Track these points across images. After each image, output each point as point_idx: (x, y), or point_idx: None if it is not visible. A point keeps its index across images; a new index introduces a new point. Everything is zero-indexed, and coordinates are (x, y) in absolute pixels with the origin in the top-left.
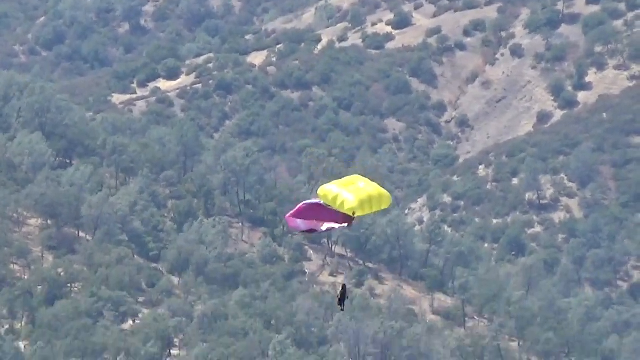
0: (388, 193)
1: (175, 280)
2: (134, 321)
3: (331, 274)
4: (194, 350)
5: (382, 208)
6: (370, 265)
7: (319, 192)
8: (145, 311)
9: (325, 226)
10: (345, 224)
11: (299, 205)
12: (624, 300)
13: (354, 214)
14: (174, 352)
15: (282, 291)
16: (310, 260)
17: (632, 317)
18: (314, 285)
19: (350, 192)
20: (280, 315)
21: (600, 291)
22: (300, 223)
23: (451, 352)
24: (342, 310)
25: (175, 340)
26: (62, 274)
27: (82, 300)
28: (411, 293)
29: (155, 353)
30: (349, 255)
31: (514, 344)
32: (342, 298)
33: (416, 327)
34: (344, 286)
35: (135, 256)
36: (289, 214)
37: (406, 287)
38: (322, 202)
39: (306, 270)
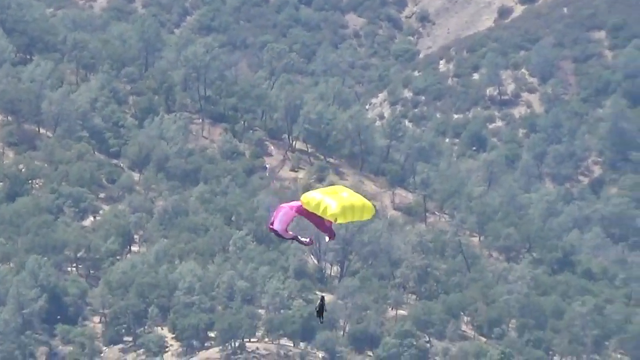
0: (371, 204)
1: (136, 176)
2: (94, 217)
3: (292, 169)
4: (154, 246)
5: (364, 219)
6: (331, 160)
7: (302, 198)
8: (106, 207)
9: (305, 238)
10: (326, 234)
11: (278, 212)
12: (584, 195)
13: (335, 220)
14: (134, 248)
15: (242, 187)
16: (271, 155)
17: (593, 212)
18: (275, 181)
19: (333, 199)
20: (241, 211)
21: (561, 186)
22: (283, 232)
23: (412, 248)
24: (322, 322)
25: (136, 236)
26: (22, 170)
27: (42, 196)
28: (372, 188)
29: (115, 249)
30: (310, 150)
31: (475, 239)
32: (321, 310)
33: (377, 222)
34: (322, 298)
35: (96, 152)
36: (271, 224)
37: (367, 182)
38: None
39: (267, 166)
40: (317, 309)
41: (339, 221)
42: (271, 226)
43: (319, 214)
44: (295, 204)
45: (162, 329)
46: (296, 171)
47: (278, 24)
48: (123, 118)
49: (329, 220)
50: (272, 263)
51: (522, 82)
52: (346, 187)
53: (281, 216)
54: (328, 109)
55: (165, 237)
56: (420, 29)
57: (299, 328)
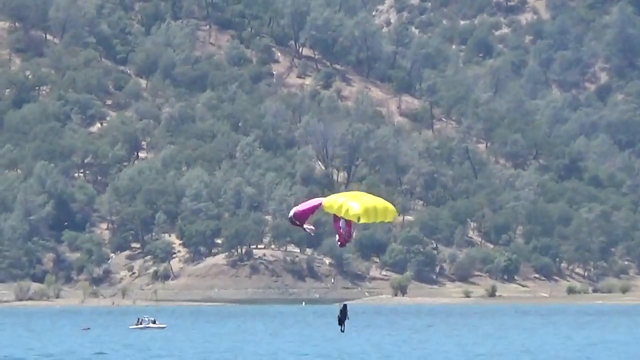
0: (393, 207)
1: (143, 82)
2: (101, 124)
3: (299, 76)
4: (161, 153)
5: (387, 220)
6: (338, 66)
7: (324, 202)
8: (113, 114)
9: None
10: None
11: (306, 207)
12: (591, 102)
13: (358, 220)
14: (142, 154)
15: (249, 93)
16: (278, 62)
17: (600, 119)
18: (282, 87)
19: (355, 201)
20: (248, 117)
21: (568, 93)
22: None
23: (419, 154)
24: (343, 331)
25: (143, 142)
26: (29, 76)
27: (49, 103)
28: (378, 95)
29: (122, 155)
30: (317, 56)
31: (482, 146)
32: (343, 317)
33: (383, 128)
34: (344, 306)
35: (103, 59)
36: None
37: (373, 88)
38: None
39: (274, 72)
40: (340, 317)
41: (361, 221)
42: (294, 216)
43: (341, 215)
44: (316, 202)
45: (169, 235)
46: (303, 78)
47: None
48: (130, 25)
49: (347, 225)
50: (279, 169)
51: None
52: (351, 95)
53: (306, 206)
54: (335, 15)
55: (172, 143)
56: None
57: (306, 234)
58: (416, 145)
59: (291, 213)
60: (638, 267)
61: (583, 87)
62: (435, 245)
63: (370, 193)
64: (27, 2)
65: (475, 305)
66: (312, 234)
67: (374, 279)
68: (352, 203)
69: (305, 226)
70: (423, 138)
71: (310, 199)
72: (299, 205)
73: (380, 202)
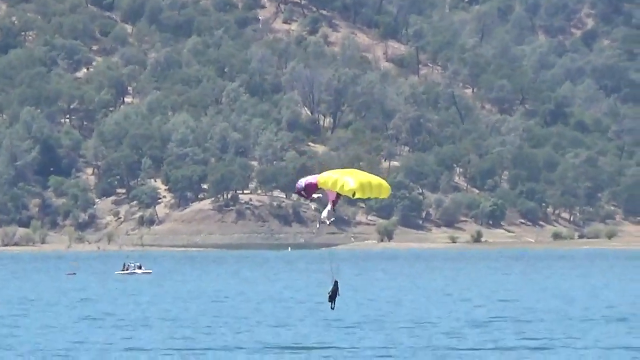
0: (388, 184)
1: (129, 28)
2: (87, 69)
3: (285, 21)
4: (147, 98)
5: (382, 197)
6: (324, 12)
7: (318, 178)
8: (99, 59)
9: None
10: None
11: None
12: (577, 47)
13: (354, 195)
14: (128, 99)
15: (235, 39)
16: (264, 7)
17: (586, 64)
18: (268, 33)
19: (351, 177)
20: (234, 63)
21: (554, 38)
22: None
23: (405, 99)
24: (333, 308)
25: (129, 88)
26: (15, 22)
27: (35, 48)
28: (364, 40)
29: (108, 100)
30: (303, 2)
31: (468, 91)
32: (334, 294)
33: (370, 74)
34: (335, 283)
35: (89, 4)
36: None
37: (360, 34)
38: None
39: (260, 18)
40: (330, 294)
41: (357, 196)
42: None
43: (337, 190)
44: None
45: (155, 180)
46: (289, 23)
47: None
48: None
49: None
50: (265, 115)
51: None
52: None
53: (308, 183)
54: None
55: (158, 89)
56: None
57: (292, 179)
58: (402, 91)
59: (301, 184)
60: (624, 212)
61: (569, 32)
62: (421, 191)
63: (356, 139)
64: None
65: (461, 250)
66: (319, 199)
67: (360, 224)
68: (348, 178)
69: (313, 195)
70: (409, 83)
71: (296, 144)
72: (307, 178)
73: (375, 179)
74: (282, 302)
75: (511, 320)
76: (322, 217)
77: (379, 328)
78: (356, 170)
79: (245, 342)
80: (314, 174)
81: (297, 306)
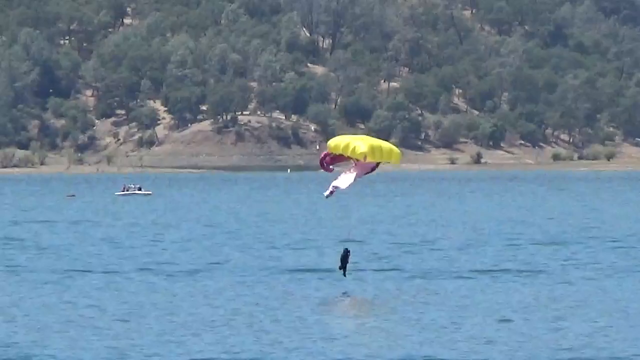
0: (398, 150)
1: None
2: None
3: None
4: (147, 19)
5: (392, 161)
6: None
7: (329, 143)
8: None
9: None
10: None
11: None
12: None
13: (365, 158)
14: (127, 20)
15: None
16: None
17: None
18: None
19: (361, 141)
20: None
21: None
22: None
23: (404, 20)
24: (345, 275)
25: (128, 9)
26: None
27: None
28: None
29: (108, 22)
30: None
31: (467, 12)
32: (344, 262)
33: None
34: (346, 250)
35: None
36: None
37: None
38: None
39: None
40: (341, 261)
41: (368, 160)
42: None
43: (348, 154)
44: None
45: (154, 102)
46: None
47: None
48: None
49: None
50: (264, 36)
51: None
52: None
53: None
54: None
55: (158, 9)
56: None
57: (291, 100)
58: (401, 12)
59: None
60: (623, 133)
61: None
62: (420, 112)
63: (355, 60)
64: None
65: (460, 171)
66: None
67: None
68: (359, 142)
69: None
70: (408, 4)
71: (295, 65)
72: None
73: (385, 144)
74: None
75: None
76: (335, 186)
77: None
78: (365, 136)
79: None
80: (314, 95)
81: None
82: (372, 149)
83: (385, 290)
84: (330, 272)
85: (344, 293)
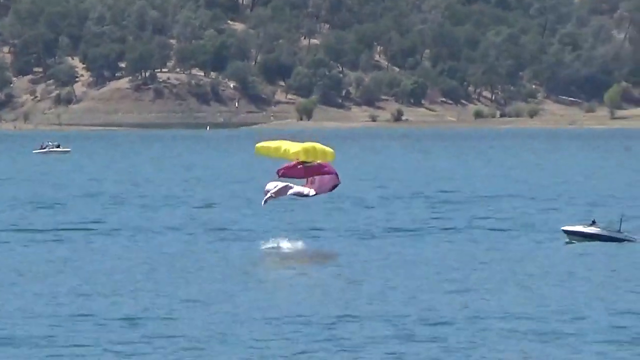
0: (332, 150)
1: None
2: None
3: None
4: None
5: (327, 160)
6: None
7: (257, 146)
8: None
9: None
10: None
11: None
12: None
13: (297, 159)
14: None
15: None
16: None
17: None
18: None
19: (291, 143)
20: None
21: None
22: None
23: None
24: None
25: None
26: None
27: None
28: None
29: None
30: None
31: None
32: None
33: None
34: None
35: None
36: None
37: None
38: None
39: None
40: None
41: (301, 159)
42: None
43: (279, 155)
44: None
45: (72, 59)
46: None
47: None
48: None
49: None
50: None
51: None
52: None
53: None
54: None
55: None
56: None
57: (211, 57)
58: None
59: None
60: (546, 91)
61: None
62: (341, 69)
63: (275, 16)
64: None
65: (381, 128)
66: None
67: (279, 102)
68: (290, 144)
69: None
70: None
71: (215, 22)
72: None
73: (319, 145)
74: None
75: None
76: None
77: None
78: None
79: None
80: (233, 52)
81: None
82: (306, 150)
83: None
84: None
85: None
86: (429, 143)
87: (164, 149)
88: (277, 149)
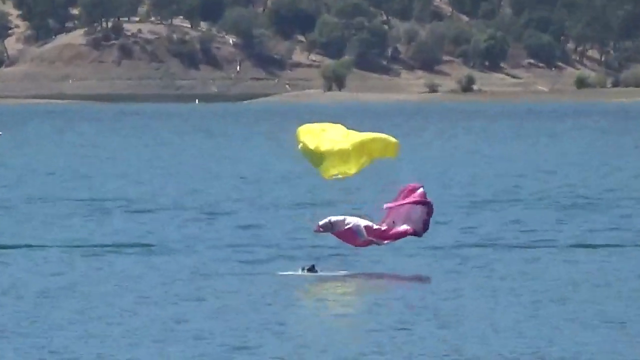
0: (395, 140)
1: None
2: None
3: None
4: None
5: (387, 156)
6: None
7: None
8: None
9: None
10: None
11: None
12: None
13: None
14: None
15: None
16: None
17: None
18: None
19: (335, 134)
20: None
21: None
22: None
23: None
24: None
25: None
26: None
27: None
28: None
29: None
30: None
31: None
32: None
33: None
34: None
35: None
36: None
37: None
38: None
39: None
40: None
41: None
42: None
43: (310, 156)
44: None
45: (3, 3)
46: None
47: None
48: None
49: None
50: None
51: None
52: None
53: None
54: None
55: None
56: None
57: (200, 3)
58: None
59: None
60: None
61: None
62: (386, 18)
63: None
64: None
65: (443, 102)
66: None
67: (297, 65)
68: (335, 136)
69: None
70: None
71: None
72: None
73: (376, 134)
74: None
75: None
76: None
77: None
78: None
79: None
80: None
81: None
82: (358, 145)
83: None
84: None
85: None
86: (511, 122)
87: (133, 131)
88: (313, 140)
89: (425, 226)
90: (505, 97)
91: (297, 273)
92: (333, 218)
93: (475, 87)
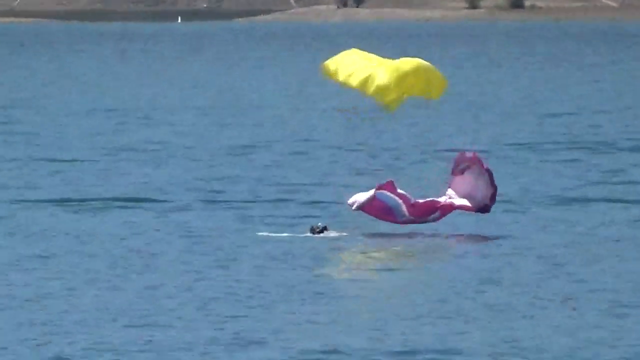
0: (442, 76)
1: None
2: None
3: None
4: None
5: (431, 96)
6: None
7: (326, 64)
8: None
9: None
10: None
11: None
12: None
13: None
14: None
15: None
16: None
17: None
18: None
19: (376, 66)
20: None
21: None
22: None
23: None
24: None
25: None
26: None
27: None
28: None
29: None
30: None
31: None
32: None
33: None
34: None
35: None
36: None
37: None
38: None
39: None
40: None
41: (387, 99)
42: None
43: (344, 83)
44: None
45: None
46: None
47: None
48: None
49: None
50: None
51: None
52: None
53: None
54: None
55: None
56: None
57: None
58: None
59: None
60: None
61: None
62: None
63: None
64: None
65: (487, 22)
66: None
67: None
68: (375, 69)
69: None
70: None
71: None
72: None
73: (421, 63)
74: None
75: None
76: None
77: None
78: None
79: None
80: None
81: None
82: (398, 79)
83: None
84: None
85: None
86: (575, 47)
87: (100, 57)
88: (345, 67)
89: (493, 200)
90: (564, 14)
91: (305, 235)
92: (361, 197)
93: (527, 2)
